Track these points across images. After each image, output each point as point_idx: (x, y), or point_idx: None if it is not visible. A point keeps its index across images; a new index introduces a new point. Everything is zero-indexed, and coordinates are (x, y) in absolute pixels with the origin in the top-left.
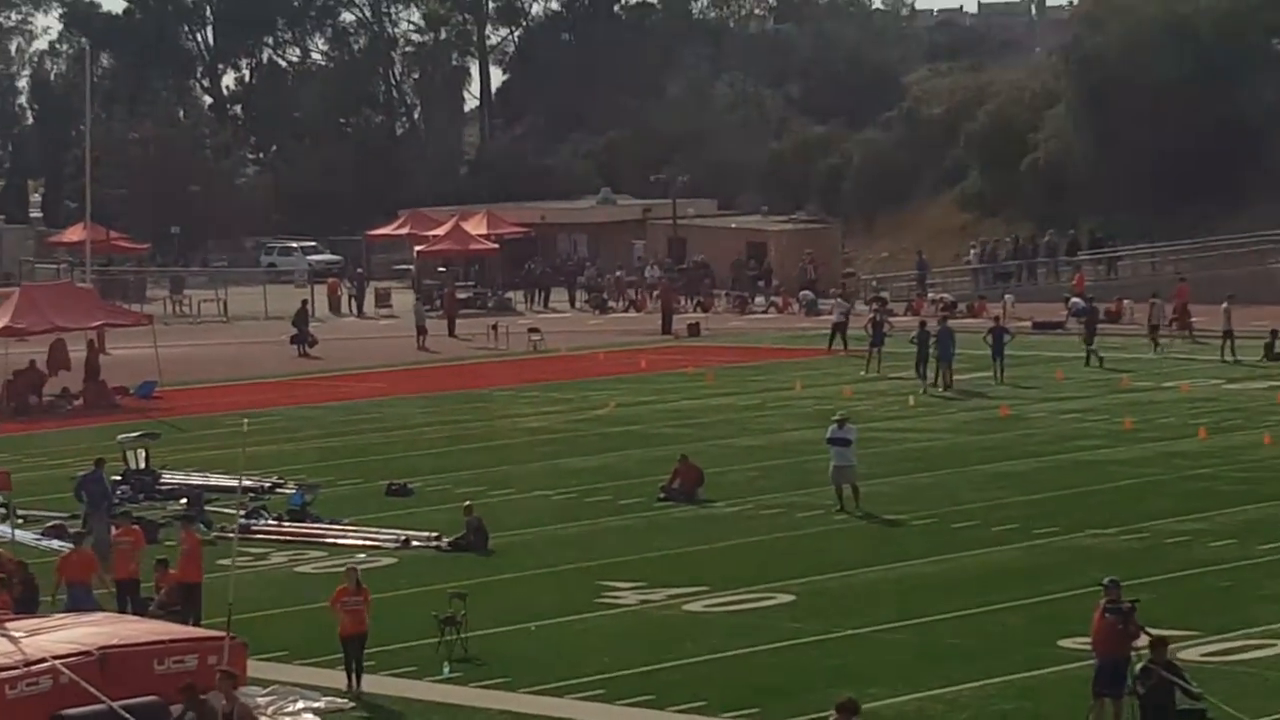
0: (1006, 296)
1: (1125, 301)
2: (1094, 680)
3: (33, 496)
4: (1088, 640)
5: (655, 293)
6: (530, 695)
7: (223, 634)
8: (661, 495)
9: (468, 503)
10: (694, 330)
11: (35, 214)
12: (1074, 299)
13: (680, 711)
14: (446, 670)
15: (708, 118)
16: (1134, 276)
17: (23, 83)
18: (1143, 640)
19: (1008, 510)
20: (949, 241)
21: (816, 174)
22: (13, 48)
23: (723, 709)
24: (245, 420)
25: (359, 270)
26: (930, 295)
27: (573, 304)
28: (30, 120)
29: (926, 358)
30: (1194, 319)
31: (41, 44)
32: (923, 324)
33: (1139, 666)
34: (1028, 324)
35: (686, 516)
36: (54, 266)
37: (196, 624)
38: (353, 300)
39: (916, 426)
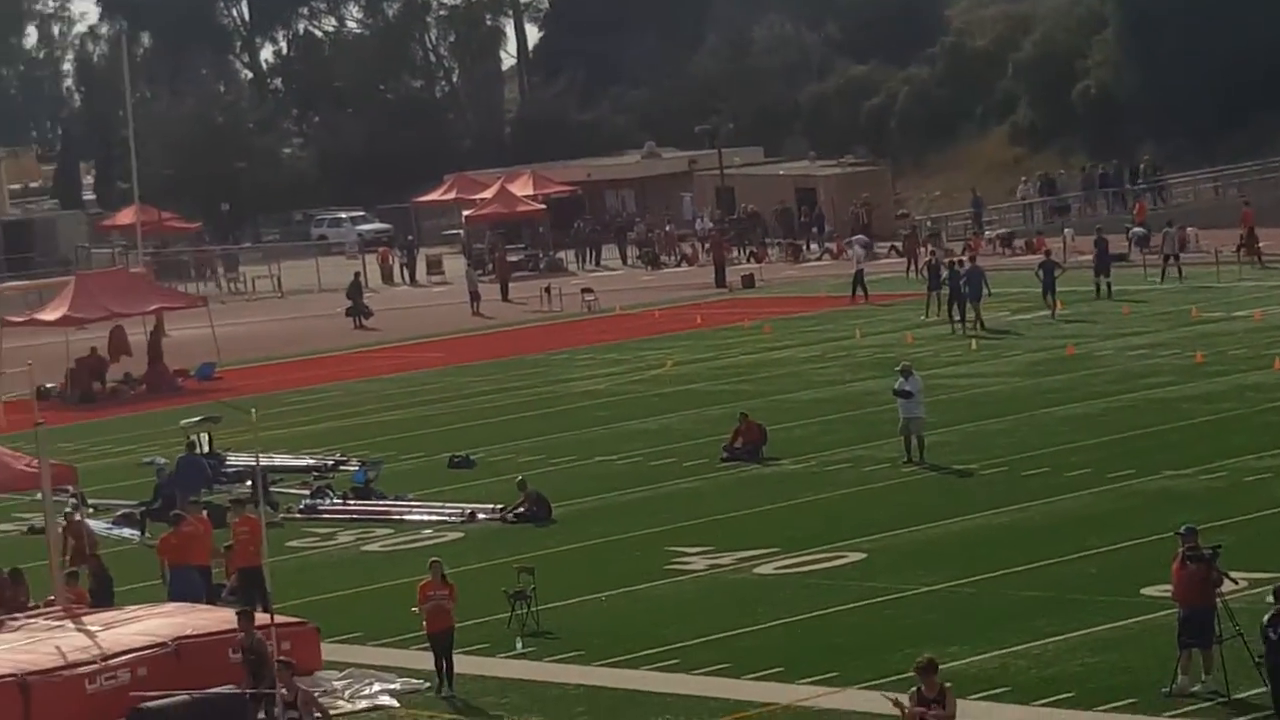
0: (1066, 230)
1: (1190, 230)
2: (1179, 631)
3: (101, 485)
4: (1170, 589)
5: (707, 245)
6: (605, 668)
7: (298, 619)
8: (725, 455)
9: (520, 478)
10: (748, 282)
11: (89, 196)
12: (1134, 229)
13: (758, 678)
14: (519, 646)
15: (749, 63)
16: (1195, 202)
17: (67, 66)
18: (1228, 586)
19: (1079, 455)
20: (1003, 176)
21: (862, 115)
22: (55, 32)
23: (801, 674)
24: (253, 410)
25: (409, 238)
26: (987, 233)
27: (624, 261)
28: (78, 103)
29: (961, 298)
30: (1261, 243)
31: (82, 28)
32: (951, 264)
33: (1267, 616)
34: (1089, 257)
35: (750, 476)
36: (108, 251)
37: (265, 609)
38: (404, 269)
39: (980, 371)
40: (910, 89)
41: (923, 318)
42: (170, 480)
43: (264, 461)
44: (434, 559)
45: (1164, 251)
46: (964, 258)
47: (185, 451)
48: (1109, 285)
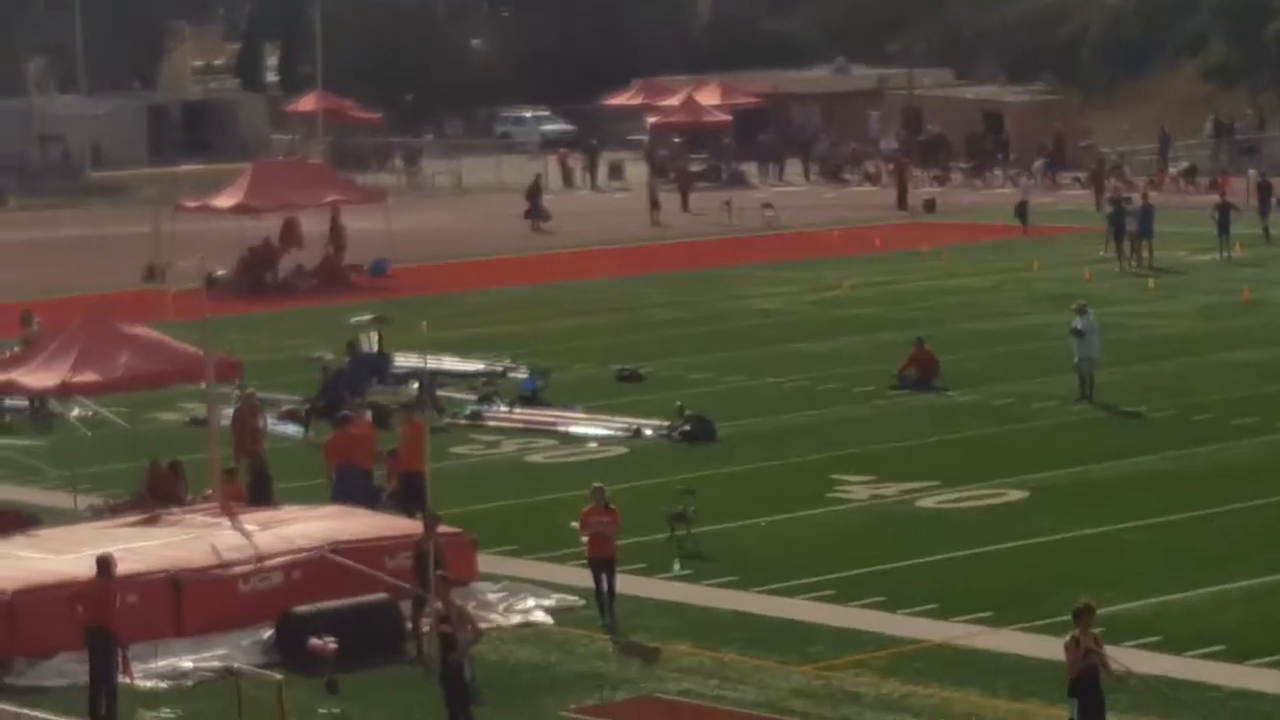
0: (1250, 171)
1: None
2: None
3: (270, 379)
4: None
5: (890, 166)
6: (760, 595)
7: (456, 530)
8: (896, 384)
9: (678, 404)
10: (929, 206)
11: (271, 78)
12: None
13: (912, 614)
14: (677, 568)
15: None
16: None
17: None
18: None
19: (1249, 403)
20: (1192, 113)
21: (1054, 42)
22: None
23: (956, 612)
24: (424, 323)
25: (593, 141)
26: (1171, 169)
27: (807, 176)
28: None
29: (1122, 234)
30: None
31: None
32: (1119, 201)
33: None
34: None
35: (919, 405)
36: (288, 138)
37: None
38: (586, 172)
39: (1156, 311)
40: (1103, 18)
41: (1102, 253)
42: (338, 378)
43: (432, 365)
44: (597, 484)
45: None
46: (1131, 195)
47: (350, 351)
48: (1266, 229)
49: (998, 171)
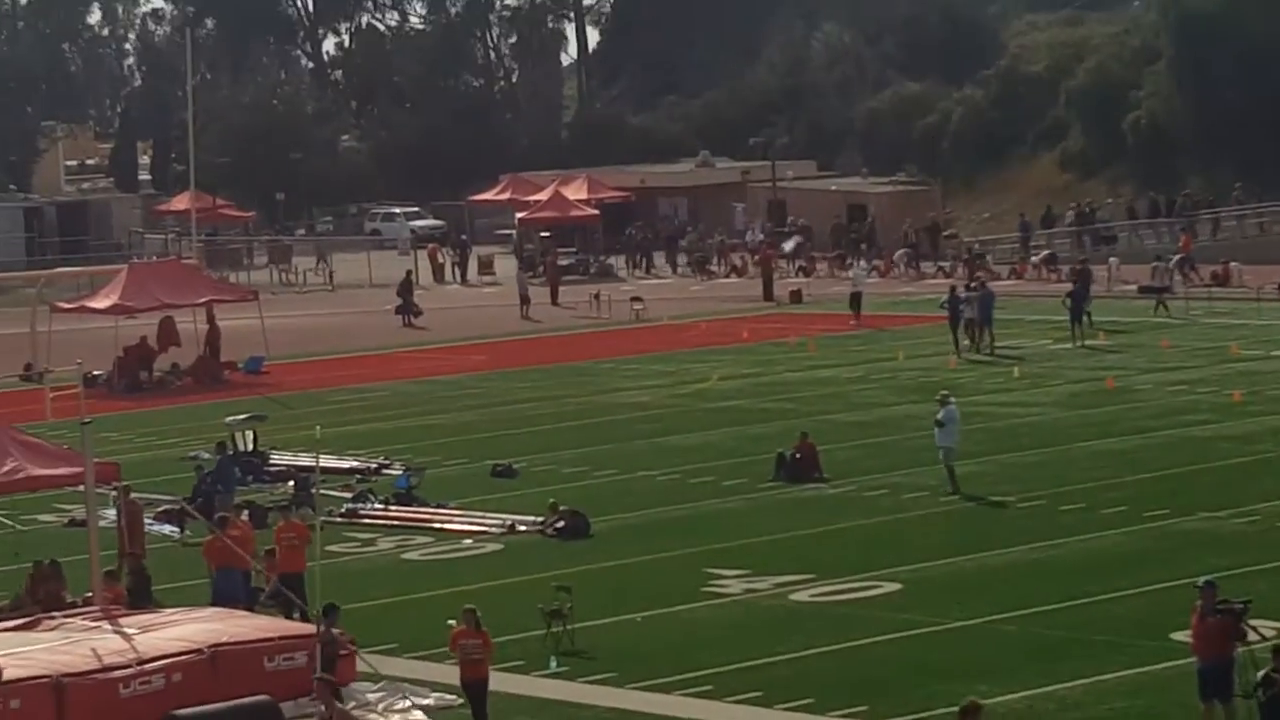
0: (1111, 259)
1: (1233, 264)
2: (1200, 685)
3: (146, 479)
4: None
5: (756, 258)
6: (638, 691)
7: (338, 631)
8: (775, 474)
9: (551, 500)
10: (796, 297)
11: (144, 176)
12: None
13: (788, 709)
14: (553, 665)
15: (805, 76)
16: (1242, 238)
17: (129, 45)
18: (1253, 638)
19: (1116, 491)
20: (1052, 201)
21: (915, 133)
22: (119, 10)
23: (830, 707)
24: (318, 427)
25: (462, 236)
26: (1033, 258)
27: (674, 269)
28: (138, 82)
29: (957, 322)
30: None
31: (146, 7)
32: (953, 289)
33: (1260, 674)
34: (1133, 287)
35: (790, 499)
36: (161, 237)
37: (303, 616)
38: (456, 267)
39: (1021, 400)
40: (964, 109)
41: (966, 343)
42: (209, 478)
43: (307, 462)
44: (468, 606)
45: (1155, 283)
46: (972, 282)
47: (219, 450)
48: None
49: (862, 263)
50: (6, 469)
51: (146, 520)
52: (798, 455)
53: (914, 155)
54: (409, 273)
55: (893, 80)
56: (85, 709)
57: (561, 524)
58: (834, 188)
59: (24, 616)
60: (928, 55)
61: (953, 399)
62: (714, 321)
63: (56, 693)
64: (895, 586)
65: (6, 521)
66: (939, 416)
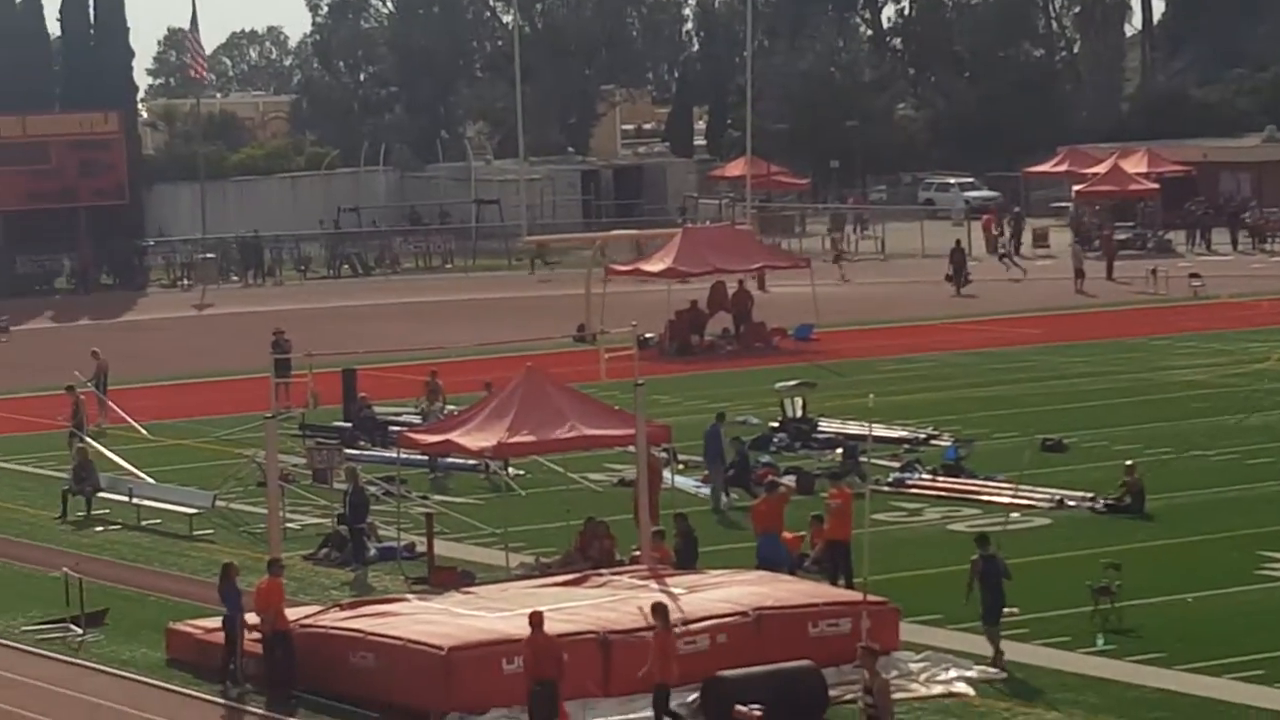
0: None
1: None
2: None
3: (693, 441)
4: None
5: None
6: (1186, 673)
7: (879, 599)
8: None
9: (1129, 462)
10: None
11: (699, 141)
12: None
13: None
14: (1100, 642)
15: None
16: None
17: (687, 11)
18: None
19: None
20: None
21: None
22: None
23: None
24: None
25: (1016, 208)
26: None
27: (1234, 245)
28: (696, 48)
29: None
30: None
31: None
32: None
33: None
34: None
35: None
36: (715, 202)
37: (847, 584)
38: (1010, 239)
39: None
40: None
41: None
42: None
43: (859, 431)
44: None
45: None
46: None
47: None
48: None
49: None
50: (560, 427)
51: (694, 482)
52: None
53: None
54: (959, 241)
55: None
56: (631, 665)
57: (1114, 499)
58: None
59: (573, 572)
60: None
61: None
62: (1276, 300)
63: (603, 648)
64: None
65: (569, 475)
66: None
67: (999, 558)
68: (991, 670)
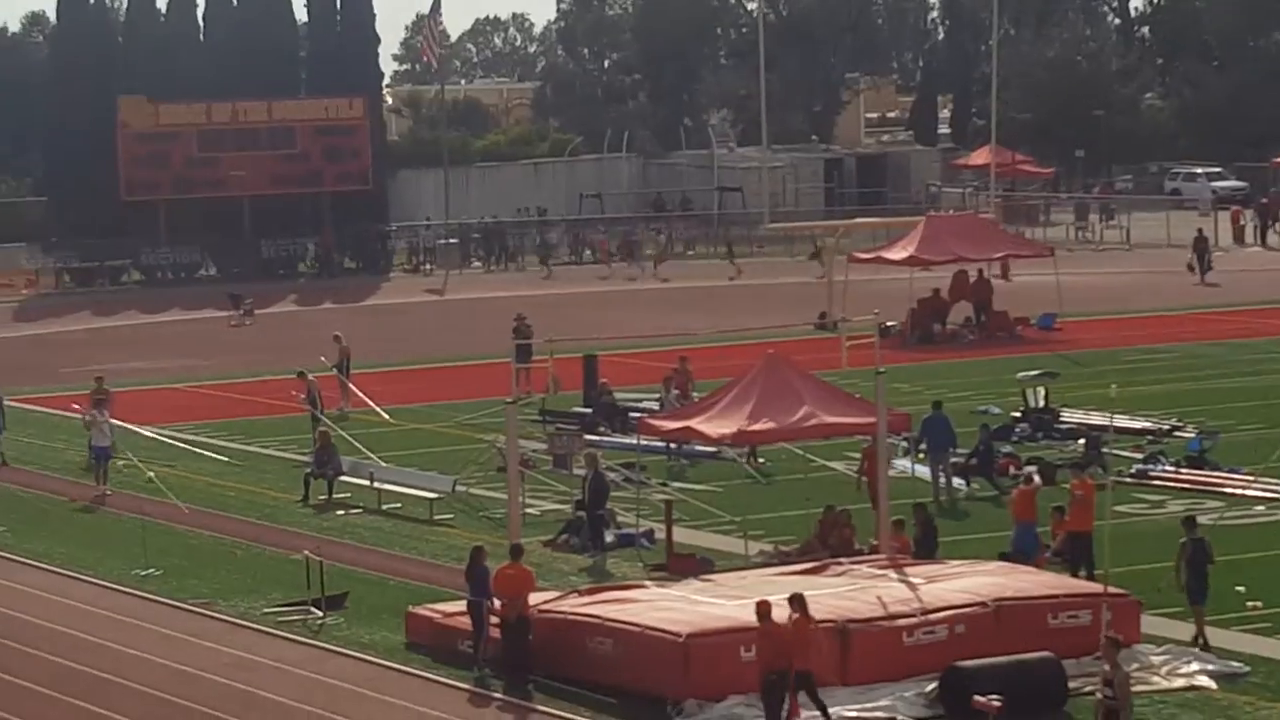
0: None
1: None
2: None
3: None
4: None
5: None
6: None
7: (1120, 590)
8: None
9: None
10: None
11: (943, 130)
12: None
13: None
14: None
15: None
16: None
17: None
18: None
19: None
20: None
21: None
22: None
23: None
24: (1113, 385)
25: (1263, 200)
26: None
27: None
28: (941, 36)
29: None
30: None
31: None
32: None
33: None
34: None
35: None
36: (959, 191)
37: (1088, 575)
38: (1257, 230)
39: None
40: None
41: None
42: (992, 432)
43: (1099, 421)
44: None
45: None
46: None
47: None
48: None
49: None
50: (800, 415)
51: (911, 465)
52: None
53: None
54: (1200, 230)
55: None
56: (869, 655)
57: None
58: None
59: (812, 561)
60: None
61: None
62: None
63: (842, 637)
64: None
65: (808, 456)
66: None
67: (1206, 541)
68: (1235, 664)
